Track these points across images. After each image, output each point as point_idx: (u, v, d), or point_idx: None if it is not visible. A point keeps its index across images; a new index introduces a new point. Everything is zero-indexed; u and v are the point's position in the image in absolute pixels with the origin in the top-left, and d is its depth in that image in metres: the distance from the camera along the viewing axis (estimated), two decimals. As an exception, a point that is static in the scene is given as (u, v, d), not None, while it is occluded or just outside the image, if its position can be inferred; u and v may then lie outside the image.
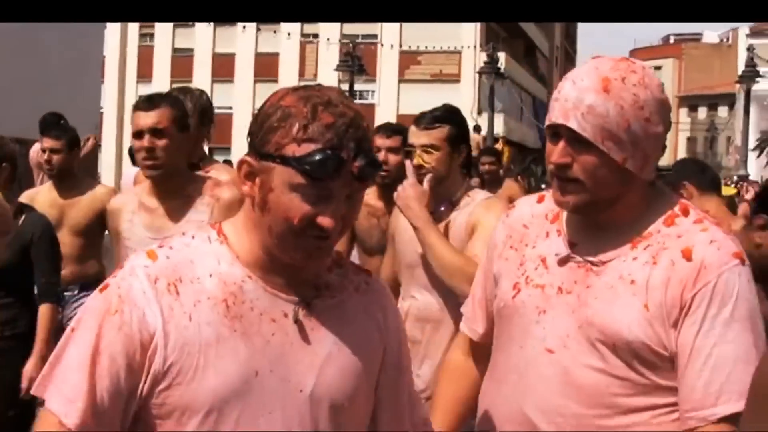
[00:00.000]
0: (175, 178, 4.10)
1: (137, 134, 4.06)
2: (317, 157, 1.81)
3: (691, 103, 77.03)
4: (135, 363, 1.82)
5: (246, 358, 1.87)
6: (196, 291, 1.88)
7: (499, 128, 37.02)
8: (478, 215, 3.83)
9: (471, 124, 37.54)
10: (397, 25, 46.96)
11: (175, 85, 47.28)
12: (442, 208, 3.93)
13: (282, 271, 1.94)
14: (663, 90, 2.33)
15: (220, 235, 1.97)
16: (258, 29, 47.93)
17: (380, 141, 5.04)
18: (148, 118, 4.02)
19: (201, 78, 49.41)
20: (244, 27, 45.73)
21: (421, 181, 3.89)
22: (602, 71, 2.25)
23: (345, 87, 39.60)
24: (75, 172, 6.25)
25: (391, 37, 47.41)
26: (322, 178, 1.82)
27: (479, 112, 43.70)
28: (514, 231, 2.55)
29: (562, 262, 2.39)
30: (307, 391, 1.92)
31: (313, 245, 1.88)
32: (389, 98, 47.98)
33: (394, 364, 2.14)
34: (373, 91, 45.59)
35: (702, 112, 75.22)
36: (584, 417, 2.27)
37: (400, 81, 47.62)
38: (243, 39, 48.71)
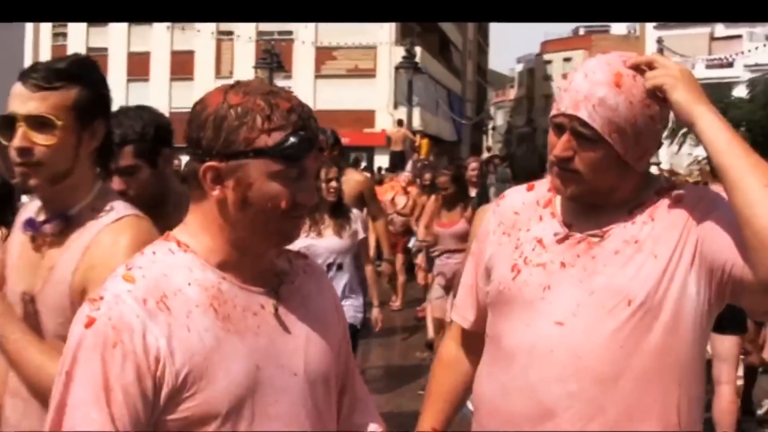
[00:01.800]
0: None
1: None
2: (291, 141, 1.90)
3: (601, 93, 76.70)
4: (146, 389, 1.80)
5: (245, 354, 1.91)
6: (183, 302, 1.88)
7: (415, 122, 37.54)
8: (100, 255, 2.45)
9: (389, 120, 37.72)
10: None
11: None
12: (48, 225, 2.55)
13: (247, 265, 1.98)
14: None
15: (180, 245, 1.97)
16: (179, 28, 47.76)
17: None
18: None
19: (116, 77, 49.06)
20: (169, 26, 45.61)
21: (25, 185, 2.51)
22: (614, 66, 2.31)
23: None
24: None
25: (306, 33, 47.46)
26: (298, 159, 1.92)
27: (395, 107, 44.27)
28: (505, 218, 2.59)
29: (561, 240, 2.43)
30: (301, 374, 2.01)
31: (293, 225, 1.99)
32: (305, 94, 48.00)
33: (344, 334, 2.28)
34: (289, 87, 45.65)
35: (613, 103, 74.65)
36: (595, 390, 2.30)
37: (317, 77, 47.79)
38: (158, 37, 48.48)
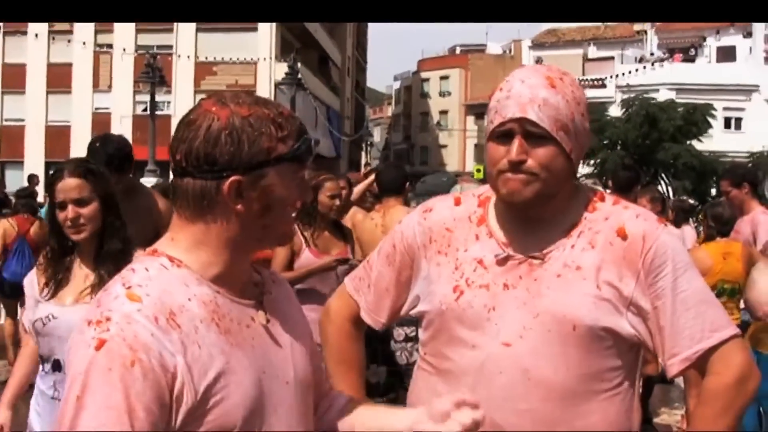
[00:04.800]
0: None
1: None
2: (304, 145, 1.97)
3: (477, 111, 76.53)
4: (165, 407, 1.77)
5: (248, 366, 1.91)
6: (189, 318, 1.85)
7: (294, 138, 37.59)
8: None
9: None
10: (192, 35, 46.80)
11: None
12: None
13: (236, 277, 1.99)
14: None
15: (172, 260, 1.94)
16: (51, 38, 46.92)
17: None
18: None
19: (-11, 89, 48.01)
20: (36, 35, 44.71)
21: None
22: (542, 72, 2.41)
23: (144, 98, 39.37)
24: None
25: (186, 47, 47.13)
26: (305, 161, 1.99)
27: (276, 122, 44.22)
28: (436, 234, 2.59)
29: (501, 262, 2.45)
30: (292, 382, 2.03)
31: (292, 226, 2.10)
32: (185, 109, 46.51)
33: (311, 335, 2.24)
34: (168, 102, 45.45)
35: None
36: (544, 409, 2.37)
37: (196, 92, 47.28)
38: (34, 48, 47.47)
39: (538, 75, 2.41)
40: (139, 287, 1.85)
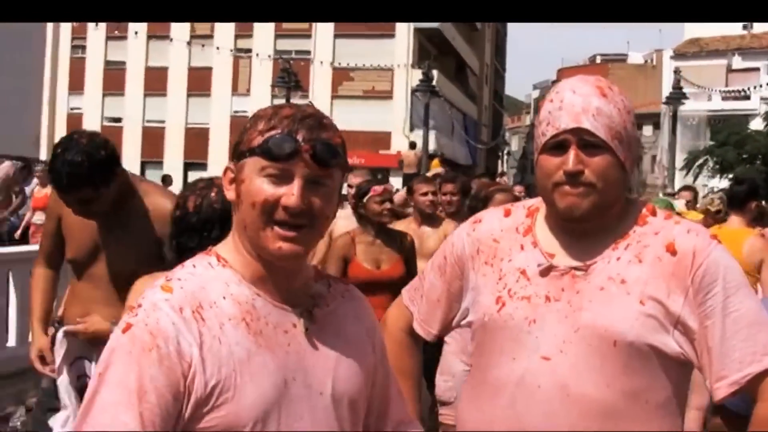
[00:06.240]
0: None
1: None
2: (273, 139, 1.93)
3: (617, 121, 76.16)
4: (179, 393, 1.84)
5: (275, 370, 1.94)
6: (217, 314, 1.92)
7: (431, 145, 37.60)
8: None
9: (405, 142, 37.78)
10: (330, 41, 47.40)
11: (107, 99, 45.95)
12: None
13: (278, 283, 2.02)
14: None
15: (219, 259, 2.03)
16: (190, 43, 47.99)
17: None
18: None
19: (133, 91, 49.37)
20: (171, 39, 45.66)
21: None
22: (591, 81, 2.40)
23: (282, 102, 39.89)
24: None
25: (323, 53, 47.76)
26: (280, 158, 1.92)
27: (411, 129, 44.29)
28: (483, 245, 2.57)
29: (544, 272, 2.42)
30: (328, 393, 2.03)
31: (284, 234, 1.95)
32: None
33: (381, 360, 2.27)
34: (306, 107, 46.11)
35: (628, 131, 74.22)
36: (584, 425, 2.30)
37: (333, 97, 47.86)
38: (176, 53, 48.61)
39: (588, 84, 2.38)
40: (177, 280, 1.97)
